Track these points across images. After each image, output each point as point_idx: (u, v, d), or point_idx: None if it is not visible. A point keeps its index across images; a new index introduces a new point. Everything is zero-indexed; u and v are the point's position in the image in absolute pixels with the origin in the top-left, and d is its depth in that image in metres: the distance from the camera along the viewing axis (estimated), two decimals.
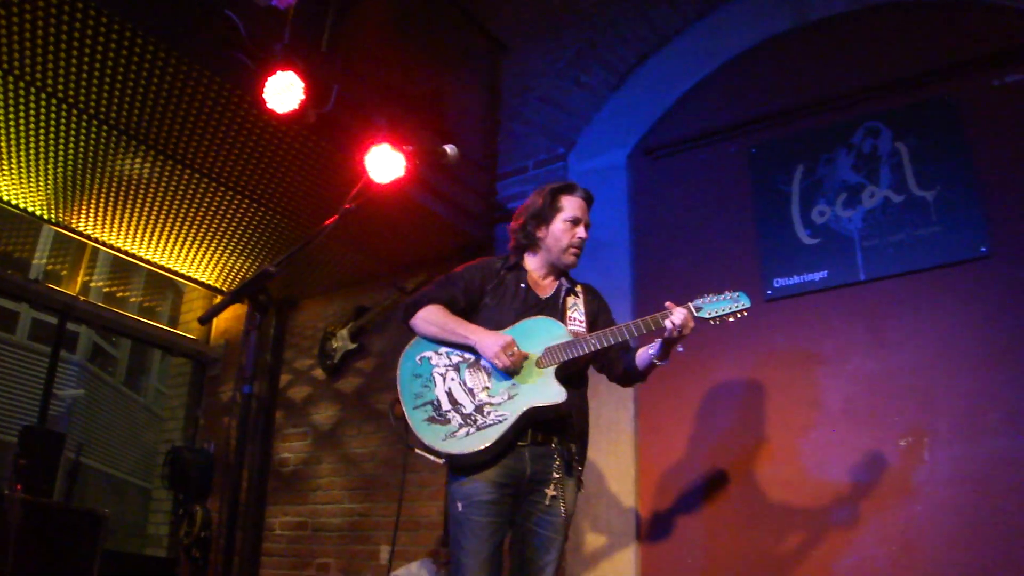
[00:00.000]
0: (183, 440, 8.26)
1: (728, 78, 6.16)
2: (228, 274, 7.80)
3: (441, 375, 3.80)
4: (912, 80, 5.35)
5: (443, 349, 3.85)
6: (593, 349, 3.68)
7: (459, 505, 3.61)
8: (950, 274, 4.93)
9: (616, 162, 6.37)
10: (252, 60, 5.05)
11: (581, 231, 4.02)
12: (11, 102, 5.47)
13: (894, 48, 5.49)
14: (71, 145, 5.89)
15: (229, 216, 6.74)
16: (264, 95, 4.91)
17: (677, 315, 3.63)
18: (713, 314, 3.72)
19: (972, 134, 5.09)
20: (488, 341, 3.70)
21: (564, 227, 4.00)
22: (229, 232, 7.00)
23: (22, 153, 6.00)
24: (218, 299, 8.34)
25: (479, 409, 3.64)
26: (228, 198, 6.48)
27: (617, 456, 5.64)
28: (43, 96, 5.41)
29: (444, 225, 6.56)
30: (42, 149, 5.95)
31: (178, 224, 6.90)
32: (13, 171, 6.20)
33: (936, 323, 4.90)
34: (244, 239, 7.12)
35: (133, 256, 7.45)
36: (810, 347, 5.22)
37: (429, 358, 3.86)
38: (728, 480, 5.26)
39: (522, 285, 4.00)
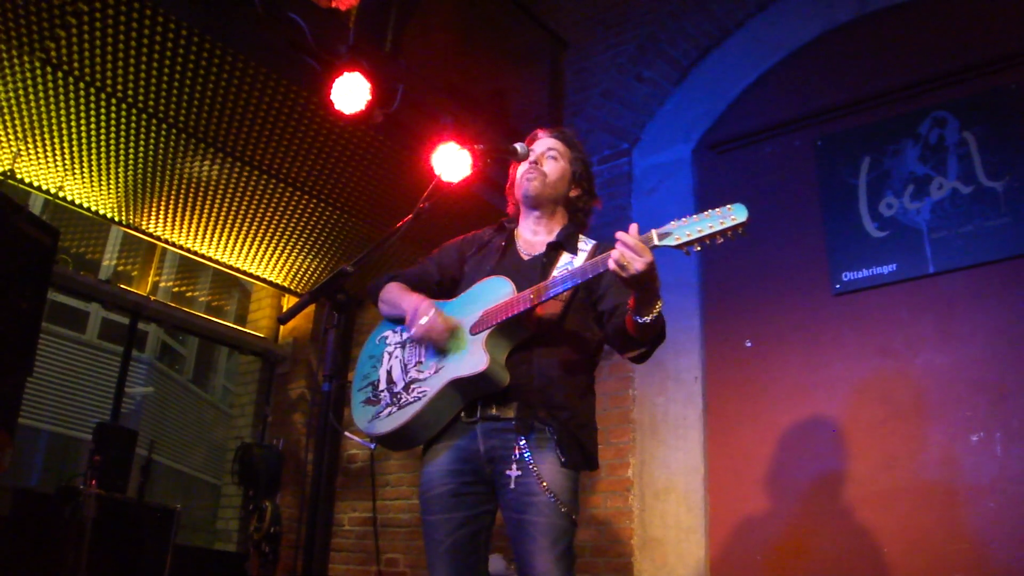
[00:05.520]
0: (252, 437, 8.35)
1: (791, 71, 6.12)
2: (297, 273, 7.88)
3: (389, 353, 3.39)
4: (978, 68, 5.26)
5: (399, 327, 3.41)
6: (525, 307, 2.99)
7: (420, 504, 3.20)
8: (1021, 266, 4.85)
9: (681, 157, 6.35)
10: (318, 62, 5.11)
11: (534, 156, 3.48)
12: (82, 107, 5.58)
13: (959, 36, 5.41)
14: (140, 148, 6.00)
15: (297, 216, 6.82)
16: (331, 96, 4.98)
17: (616, 249, 2.71)
18: (687, 238, 2.63)
19: None
20: (410, 309, 3.21)
21: (525, 165, 3.49)
22: (297, 232, 7.09)
23: (93, 157, 6.11)
24: (287, 298, 8.47)
25: (407, 387, 3.19)
26: (296, 199, 6.57)
27: (686, 452, 5.62)
28: (113, 101, 5.52)
29: None
30: (112, 153, 6.06)
31: (247, 225, 6.99)
32: (84, 175, 6.32)
33: (1007, 316, 4.83)
34: (312, 239, 7.20)
35: (204, 257, 7.56)
36: (879, 341, 5.17)
37: (386, 337, 3.47)
38: (798, 476, 5.23)
39: (503, 244, 3.47)
